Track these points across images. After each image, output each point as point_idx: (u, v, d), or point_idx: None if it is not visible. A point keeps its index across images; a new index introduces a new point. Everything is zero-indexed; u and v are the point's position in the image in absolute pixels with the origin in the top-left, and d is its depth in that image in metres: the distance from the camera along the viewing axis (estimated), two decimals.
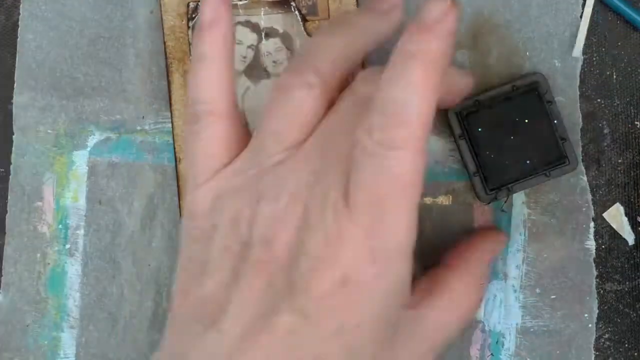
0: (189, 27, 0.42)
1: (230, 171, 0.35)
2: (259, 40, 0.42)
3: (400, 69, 0.31)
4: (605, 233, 0.43)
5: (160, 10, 0.42)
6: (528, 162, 0.41)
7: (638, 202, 0.43)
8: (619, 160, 0.43)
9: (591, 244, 0.43)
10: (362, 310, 0.33)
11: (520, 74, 0.42)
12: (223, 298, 0.33)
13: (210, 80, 0.36)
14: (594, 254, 0.43)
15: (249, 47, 0.42)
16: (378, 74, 0.32)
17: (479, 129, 0.41)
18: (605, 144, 0.43)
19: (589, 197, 0.42)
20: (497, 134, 0.41)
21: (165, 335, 0.35)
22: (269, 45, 0.42)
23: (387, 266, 0.32)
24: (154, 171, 0.43)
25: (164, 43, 0.42)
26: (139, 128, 0.43)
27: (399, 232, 0.32)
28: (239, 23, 0.42)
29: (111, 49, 0.42)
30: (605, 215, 0.42)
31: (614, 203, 0.42)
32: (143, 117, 0.43)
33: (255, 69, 0.42)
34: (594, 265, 0.43)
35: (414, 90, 0.30)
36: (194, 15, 0.42)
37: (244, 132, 0.36)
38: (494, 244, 0.41)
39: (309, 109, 0.35)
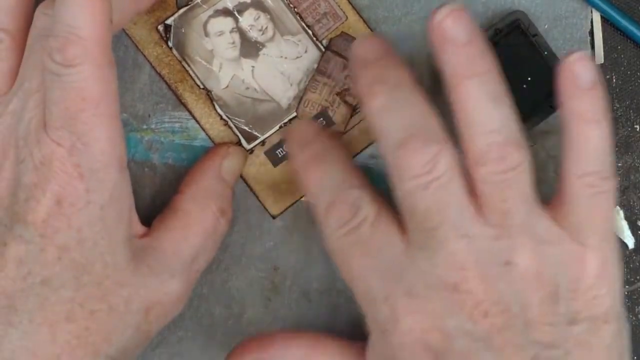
0: (170, 48, 0.42)
1: None
2: (236, 20, 0.42)
3: None
4: None
5: (139, 49, 0.42)
6: (531, 99, 0.41)
7: (638, 205, 0.43)
8: (619, 164, 0.43)
9: None
10: (82, 226, 0.34)
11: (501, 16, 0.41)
12: None
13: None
14: None
15: (231, 32, 0.42)
16: (53, 6, 0.35)
17: None
18: None
19: None
20: None
21: None
22: (248, 19, 0.42)
23: (96, 179, 0.34)
24: (158, 170, 0.43)
25: (159, 74, 0.42)
26: (145, 127, 0.43)
27: (100, 144, 0.34)
28: (211, 17, 0.42)
29: (121, 47, 0.42)
30: None
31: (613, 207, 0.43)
32: (149, 116, 0.42)
33: (248, 48, 0.42)
34: None
35: (81, 10, 0.33)
36: (168, 35, 0.42)
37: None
38: (219, 158, 0.41)
39: (2, 60, 0.37)
